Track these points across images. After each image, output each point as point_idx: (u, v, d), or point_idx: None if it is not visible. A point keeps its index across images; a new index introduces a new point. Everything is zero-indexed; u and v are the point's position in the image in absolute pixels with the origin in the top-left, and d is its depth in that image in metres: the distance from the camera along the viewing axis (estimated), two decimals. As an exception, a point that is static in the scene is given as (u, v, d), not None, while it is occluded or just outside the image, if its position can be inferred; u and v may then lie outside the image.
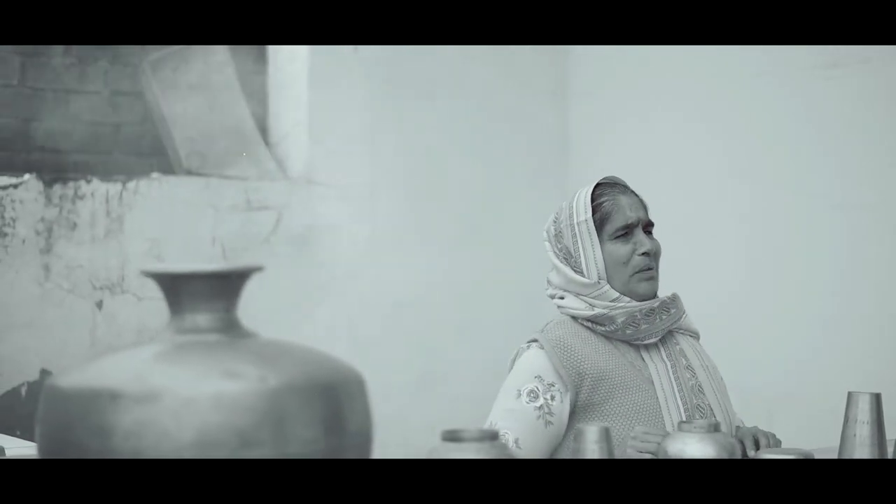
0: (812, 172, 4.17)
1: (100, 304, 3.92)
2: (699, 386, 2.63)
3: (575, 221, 2.63)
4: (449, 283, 4.62)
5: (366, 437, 1.63)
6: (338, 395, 1.59)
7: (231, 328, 1.63)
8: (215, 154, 4.28)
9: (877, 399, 2.31)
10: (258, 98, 4.56)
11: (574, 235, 2.63)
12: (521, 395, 2.56)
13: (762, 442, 2.52)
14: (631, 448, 2.39)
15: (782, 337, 4.19)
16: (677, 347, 2.67)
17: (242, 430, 1.48)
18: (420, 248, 4.59)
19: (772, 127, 4.30)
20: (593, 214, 2.63)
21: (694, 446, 2.06)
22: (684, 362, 2.65)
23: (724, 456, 2.05)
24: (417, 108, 4.62)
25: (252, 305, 4.13)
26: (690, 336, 2.75)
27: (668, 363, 2.63)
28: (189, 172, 4.21)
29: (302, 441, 1.52)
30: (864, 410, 2.30)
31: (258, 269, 1.68)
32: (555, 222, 2.69)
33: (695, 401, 2.60)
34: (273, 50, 4.55)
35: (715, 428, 2.07)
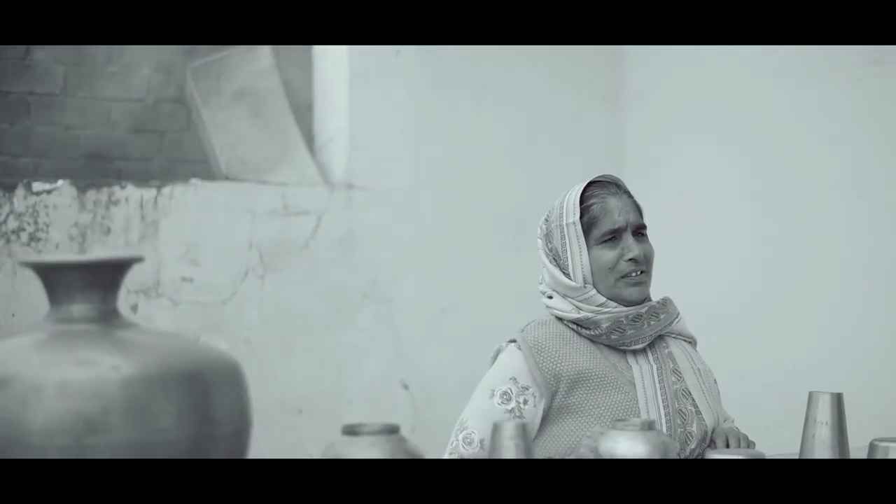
0: (860, 171, 4.05)
1: (135, 308, 3.98)
2: (685, 390, 2.56)
3: (564, 223, 2.59)
4: (493, 288, 4.59)
5: (237, 428, 1.62)
6: (202, 385, 1.58)
7: (106, 318, 1.63)
8: (256, 160, 4.31)
9: (838, 399, 2.23)
10: (305, 104, 4.59)
11: (563, 237, 2.59)
12: (493, 395, 2.53)
13: (732, 443, 2.46)
14: (584, 447, 2.34)
15: (818, 338, 4.08)
16: (666, 351, 2.61)
17: (89, 416, 1.49)
18: (464, 252, 4.57)
19: (824, 126, 4.19)
20: (581, 217, 2.57)
21: (624, 444, 2.00)
22: (671, 365, 2.59)
23: (656, 455, 1.99)
24: (462, 111, 4.60)
25: (291, 310, 4.18)
26: (685, 341, 2.68)
27: (655, 366, 2.57)
28: (228, 178, 4.25)
29: (156, 429, 1.52)
30: (823, 411, 2.22)
31: (137, 259, 1.69)
32: (546, 221, 2.65)
33: (677, 405, 2.53)
34: (318, 56, 4.58)
35: (649, 427, 2.01)
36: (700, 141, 4.63)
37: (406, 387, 4.47)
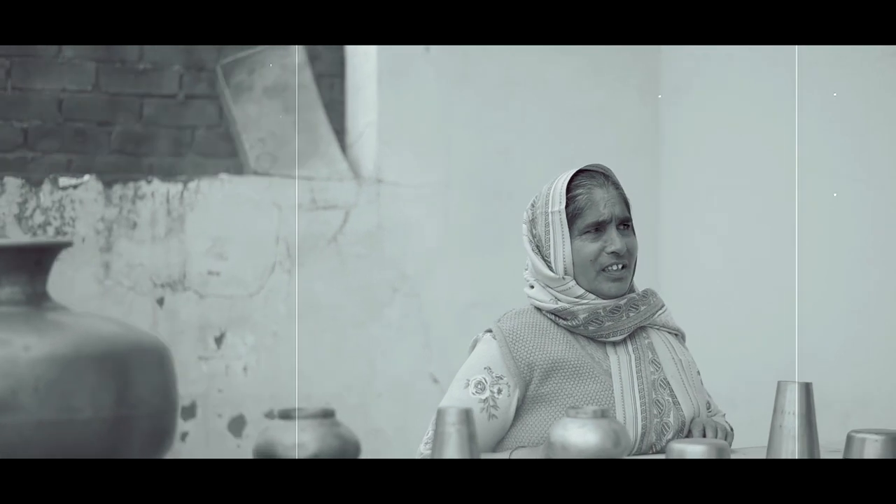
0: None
1: (161, 301, 4.03)
2: (663, 380, 2.54)
3: (549, 210, 2.57)
4: (522, 283, 4.56)
5: (158, 410, 1.64)
6: (120, 366, 1.60)
7: (33, 301, 1.66)
8: (286, 155, 4.34)
9: (807, 389, 2.18)
10: (339, 100, 4.62)
11: (547, 225, 2.57)
12: (468, 385, 2.52)
13: (709, 433, 2.44)
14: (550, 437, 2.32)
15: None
16: (646, 341, 2.58)
17: (-3, 395, 1.52)
18: (493, 247, 4.56)
19: (862, 121, 4.12)
20: (567, 206, 2.56)
21: (575, 432, 1.99)
22: (650, 356, 2.56)
23: (608, 443, 1.98)
24: (492, 106, 4.59)
25: (319, 304, 4.21)
26: (669, 332, 2.64)
27: (633, 356, 2.55)
28: (256, 173, 4.28)
29: (66, 408, 1.54)
30: (791, 401, 2.17)
31: (65, 244, 1.71)
32: (532, 207, 2.63)
33: (654, 395, 2.51)
34: (350, 53, 4.60)
35: (602, 414, 2.00)
36: (735, 137, 4.57)
37: (436, 381, 4.47)
